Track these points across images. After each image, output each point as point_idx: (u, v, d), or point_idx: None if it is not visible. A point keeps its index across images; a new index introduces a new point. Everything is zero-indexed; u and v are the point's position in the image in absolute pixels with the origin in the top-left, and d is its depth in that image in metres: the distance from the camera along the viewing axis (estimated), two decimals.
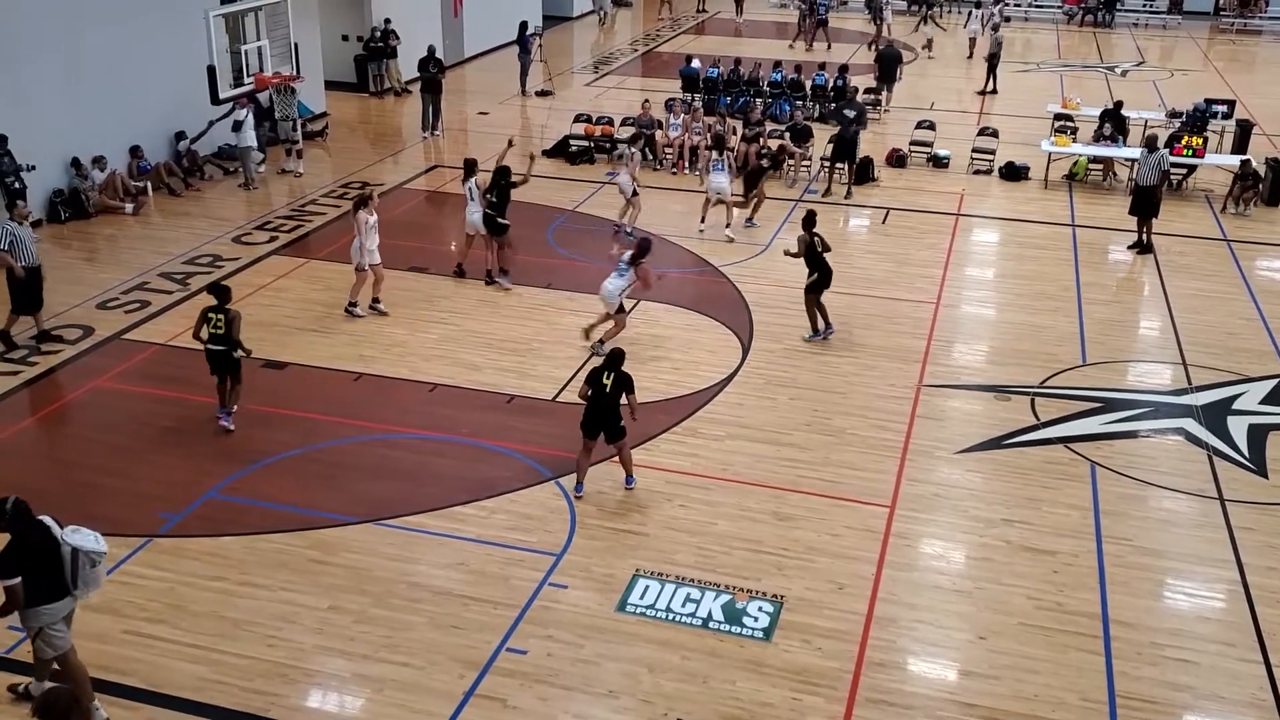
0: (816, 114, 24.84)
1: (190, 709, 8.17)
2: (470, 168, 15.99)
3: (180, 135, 20.11)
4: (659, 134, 21.45)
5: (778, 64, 26.53)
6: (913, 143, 22.29)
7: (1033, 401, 12.84)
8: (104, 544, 7.79)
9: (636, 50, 34.43)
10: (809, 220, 14.00)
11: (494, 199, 15.43)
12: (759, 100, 24.15)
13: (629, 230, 17.43)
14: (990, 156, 21.60)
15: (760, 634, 9.04)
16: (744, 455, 11.64)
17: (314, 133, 23.08)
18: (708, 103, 25.59)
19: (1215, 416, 12.60)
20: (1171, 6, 41.22)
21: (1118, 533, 10.47)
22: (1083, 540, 10.33)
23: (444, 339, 14.18)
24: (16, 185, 16.64)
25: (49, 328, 14.01)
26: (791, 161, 20.63)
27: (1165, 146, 18.70)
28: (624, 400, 10.57)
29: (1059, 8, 41.22)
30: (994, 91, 27.99)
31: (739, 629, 9.09)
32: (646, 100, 22.54)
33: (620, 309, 13.72)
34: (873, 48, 30.59)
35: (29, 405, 12.68)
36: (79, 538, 7.67)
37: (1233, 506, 10.93)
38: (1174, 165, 19.66)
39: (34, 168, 17.08)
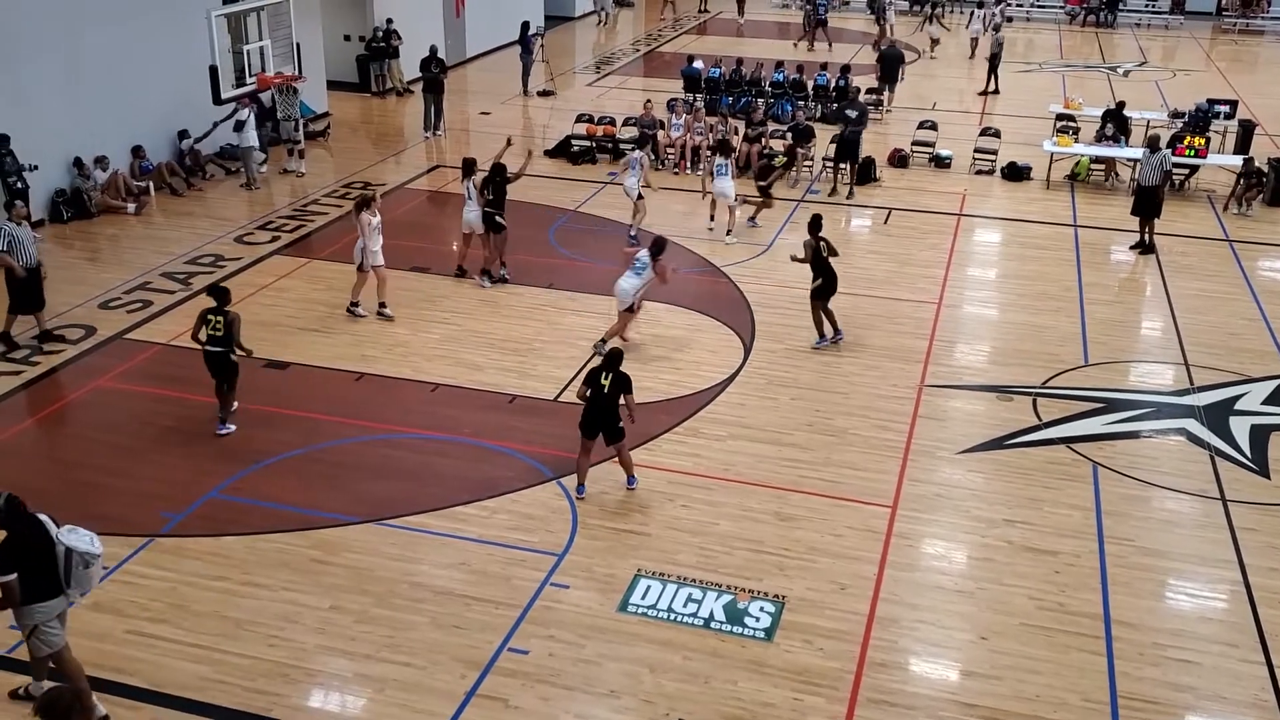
0: (818, 114, 24.84)
1: (192, 709, 8.18)
2: (469, 167, 15.99)
3: (183, 134, 20.12)
4: (661, 134, 21.45)
5: (780, 64, 26.54)
6: (915, 143, 22.29)
7: (1034, 402, 12.84)
8: (99, 545, 7.78)
9: (638, 50, 34.43)
10: (815, 224, 13.94)
11: (491, 197, 15.44)
12: (761, 100, 24.15)
13: (633, 234, 17.43)
14: (992, 157, 21.59)
15: (762, 634, 9.04)
16: (746, 455, 11.64)
17: (316, 133, 23.09)
18: (709, 103, 25.60)
19: (1217, 417, 12.59)
20: (1173, 6, 41.19)
21: (1120, 533, 10.46)
22: (1084, 541, 10.33)
23: (446, 339, 14.18)
24: (19, 185, 16.66)
25: (51, 327, 14.02)
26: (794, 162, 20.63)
27: (1167, 147, 18.70)
28: (622, 401, 10.56)
29: (1061, 8, 41.21)
30: (996, 92, 27.98)
31: (740, 629, 9.09)
32: (648, 100, 22.53)
33: (630, 308, 13.71)
34: (876, 48, 30.59)
35: (31, 405, 12.69)
36: (74, 538, 7.67)
37: (1235, 507, 10.92)
38: (1176, 165, 19.66)
39: (36, 168, 17.09)
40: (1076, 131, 21.92)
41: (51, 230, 17.64)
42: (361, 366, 13.38)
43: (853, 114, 20.00)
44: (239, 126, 19.43)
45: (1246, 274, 16.82)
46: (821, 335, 13.95)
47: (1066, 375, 13.50)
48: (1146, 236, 17.55)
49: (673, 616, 9.23)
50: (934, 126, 22.57)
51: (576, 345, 13.88)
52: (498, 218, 15.46)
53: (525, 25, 27.59)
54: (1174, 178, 19.82)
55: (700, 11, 41.01)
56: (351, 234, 14.91)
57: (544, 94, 27.45)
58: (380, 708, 8.24)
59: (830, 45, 33.50)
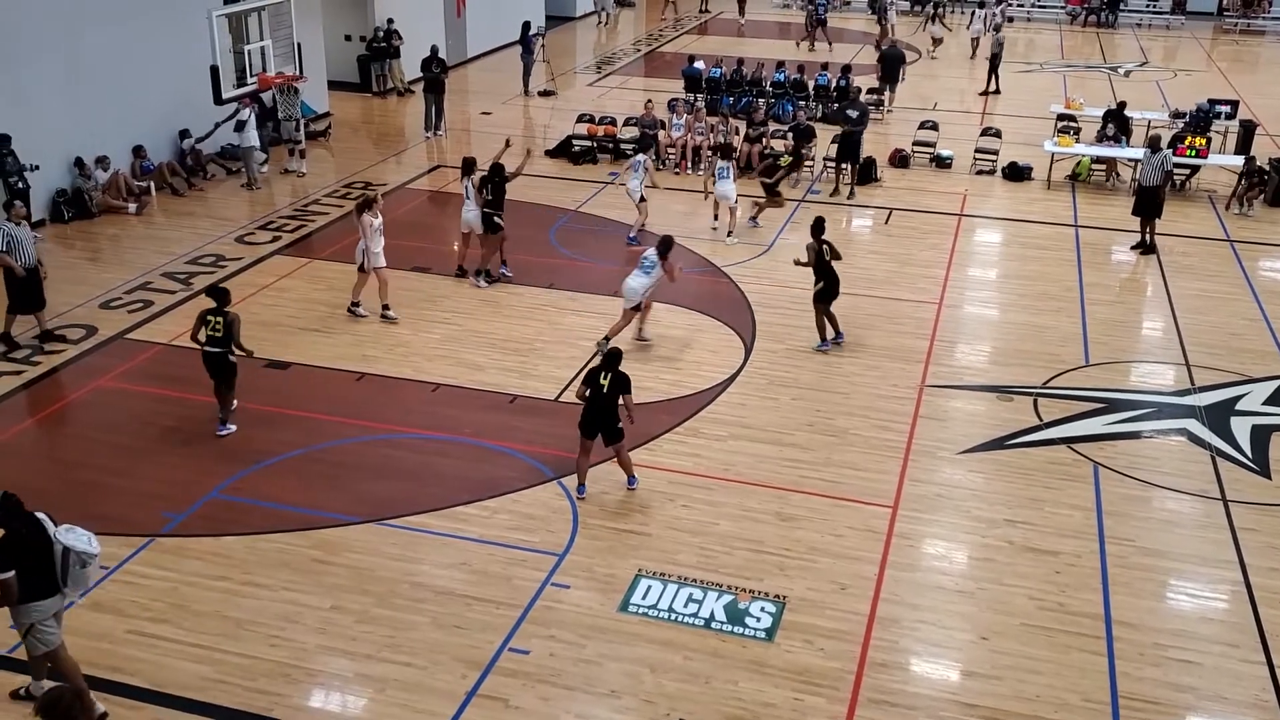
0: (819, 114, 24.84)
1: (193, 709, 8.18)
2: (468, 166, 16.00)
3: (184, 134, 20.13)
4: (662, 134, 21.45)
5: (781, 64, 26.55)
6: (916, 143, 22.29)
7: (1035, 402, 12.83)
8: (97, 545, 7.78)
9: (639, 50, 34.44)
10: (817, 227, 13.92)
11: (489, 197, 15.45)
12: (762, 101, 24.15)
13: (632, 236, 17.44)
14: (993, 157, 21.59)
15: (762, 634, 9.04)
16: (746, 455, 11.63)
17: (317, 133, 23.10)
18: (710, 103, 25.60)
19: (1218, 417, 12.59)
20: (1175, 7, 41.21)
21: (1120, 533, 10.46)
22: (1085, 541, 10.33)
23: (447, 339, 14.18)
24: (20, 185, 16.68)
25: (52, 327, 14.03)
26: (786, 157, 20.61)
27: (1168, 147, 18.69)
28: (621, 401, 10.55)
29: (1062, 8, 41.21)
30: (997, 92, 27.98)
31: (741, 629, 9.09)
32: (649, 100, 22.53)
33: (637, 306, 13.70)
34: (878, 48, 30.60)
35: (32, 405, 12.69)
36: (72, 537, 7.67)
37: (1236, 507, 10.92)
38: (1177, 166, 19.65)
39: (37, 168, 17.11)
40: (1077, 132, 21.91)
41: (52, 230, 17.65)
42: (362, 366, 13.39)
43: (853, 114, 19.99)
44: (240, 126, 19.44)
45: (1248, 274, 16.81)
46: (823, 339, 13.92)
47: (1067, 375, 13.50)
48: (1147, 237, 17.55)
49: (673, 616, 9.23)
50: (935, 127, 22.57)
51: (577, 345, 13.89)
52: (495, 218, 15.46)
53: (526, 25, 27.59)
54: (1175, 178, 19.82)
55: (701, 11, 41.01)
56: (352, 234, 14.91)
57: (545, 94, 27.46)
58: (381, 708, 8.25)
59: (830, 45, 33.51)
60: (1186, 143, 20.08)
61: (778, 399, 12.83)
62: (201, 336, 11.60)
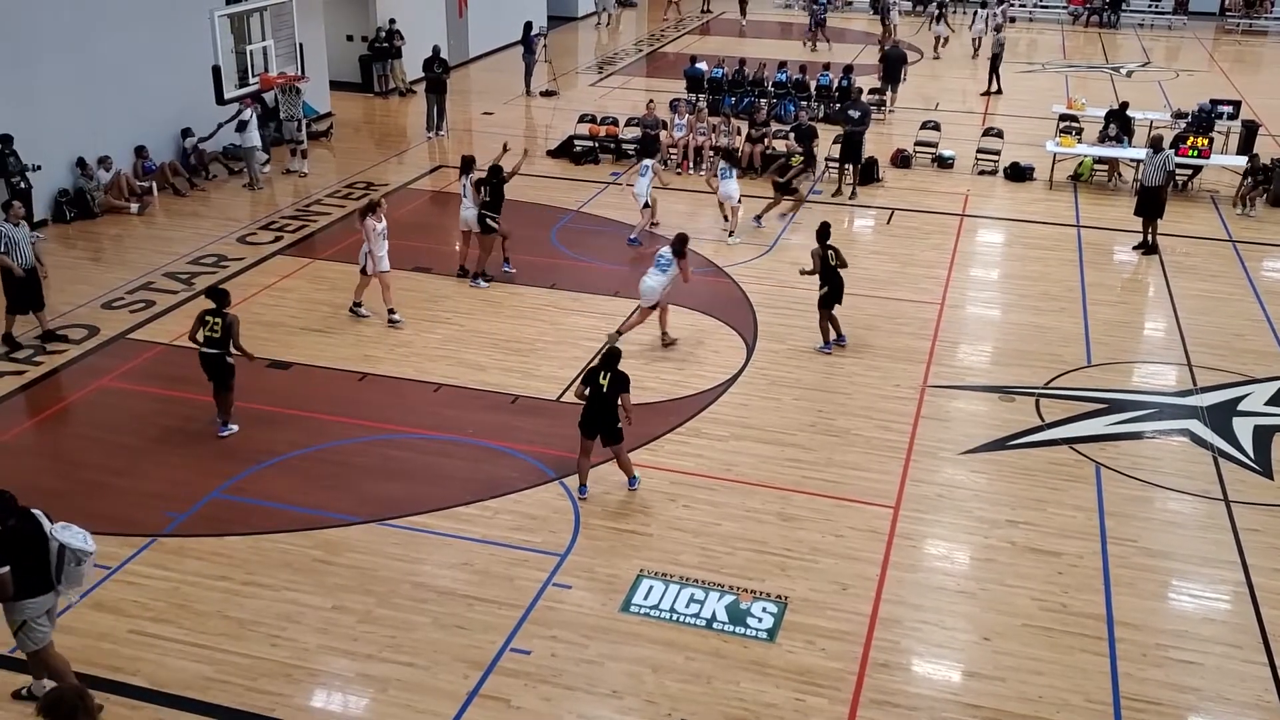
0: (821, 114, 24.84)
1: (195, 708, 8.18)
2: (467, 164, 16.01)
3: (186, 132, 20.15)
4: (663, 134, 21.46)
5: (782, 64, 26.55)
6: (918, 143, 22.28)
7: (1037, 402, 12.83)
8: (92, 543, 7.77)
9: (641, 50, 34.44)
10: (823, 232, 13.91)
11: (487, 198, 15.46)
12: (764, 101, 24.15)
13: (633, 237, 17.45)
14: (995, 157, 21.58)
15: (764, 635, 9.04)
16: (748, 456, 11.63)
17: (319, 133, 23.11)
18: (712, 103, 25.59)
19: (1220, 418, 12.58)
20: (1177, 7, 41.20)
21: (1122, 534, 10.45)
22: (1087, 541, 10.32)
23: (448, 339, 14.18)
24: (22, 185, 16.69)
25: (54, 327, 14.04)
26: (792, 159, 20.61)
27: (1170, 147, 18.68)
28: (619, 400, 10.54)
29: (1064, 8, 41.19)
30: (998, 92, 27.96)
31: (743, 630, 9.09)
32: (651, 100, 22.53)
33: (654, 305, 13.71)
34: (881, 48, 30.60)
35: (34, 405, 12.70)
36: (68, 535, 7.66)
37: (1238, 508, 10.91)
38: (1179, 166, 19.64)
39: (39, 168, 17.13)
40: (1079, 132, 21.90)
41: (54, 230, 17.67)
42: (364, 367, 13.39)
43: (855, 114, 19.99)
44: (242, 127, 19.44)
45: (1250, 275, 16.80)
46: (826, 341, 13.91)
47: (1069, 376, 13.49)
48: (1149, 237, 17.54)
49: (675, 617, 9.22)
50: (937, 127, 22.56)
51: (579, 345, 13.88)
52: (489, 219, 15.46)
53: (528, 25, 27.60)
54: (1177, 178, 19.80)
55: (703, 12, 41.02)
56: (354, 234, 14.91)
57: (547, 94, 27.46)
58: (383, 708, 8.24)
59: (829, 44, 33.57)
60: (1189, 143, 20.06)
61: (779, 399, 12.83)
62: (200, 337, 11.59)
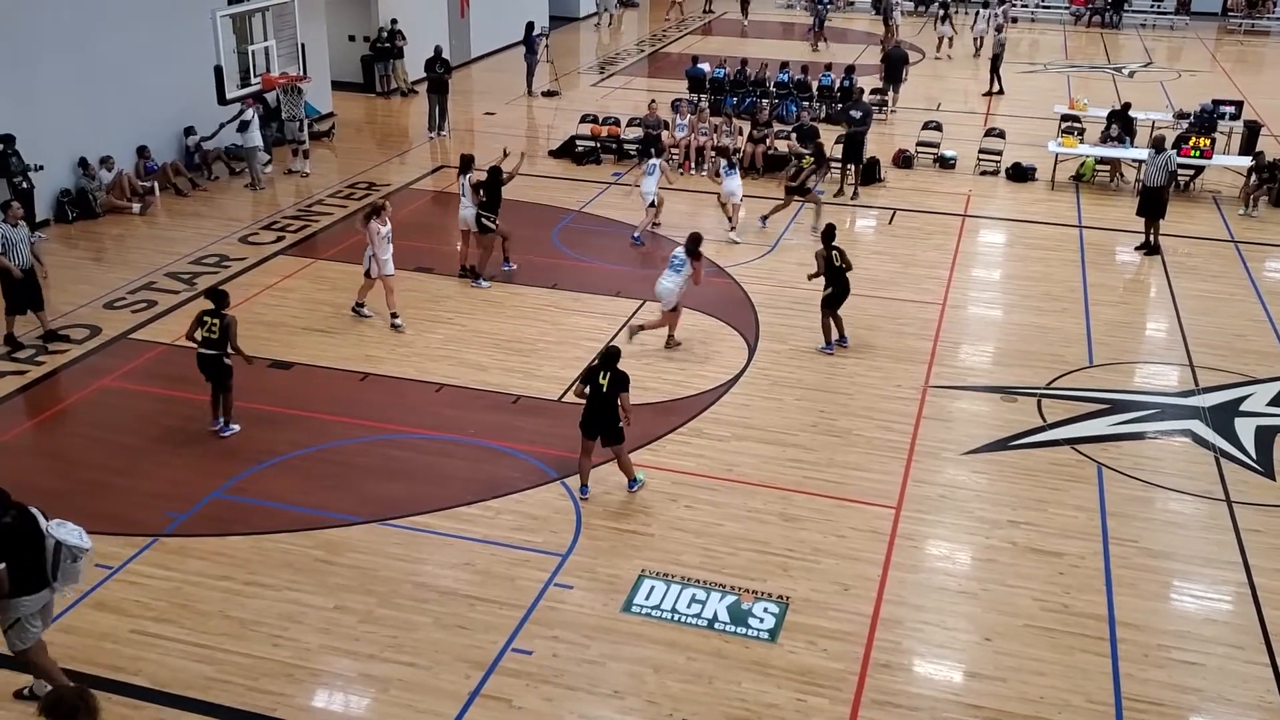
0: (823, 115, 24.83)
1: (196, 708, 8.18)
2: (466, 164, 16.02)
3: (189, 130, 20.16)
4: (665, 134, 21.45)
5: (784, 64, 26.55)
6: (919, 143, 22.28)
7: (1039, 403, 12.82)
8: (88, 540, 7.76)
9: (643, 51, 34.44)
10: (828, 234, 13.90)
11: (485, 198, 15.47)
12: (766, 101, 24.15)
13: (636, 235, 17.46)
14: (997, 157, 21.57)
15: (765, 635, 9.03)
16: (749, 456, 11.63)
17: (320, 133, 23.12)
18: (714, 103, 25.58)
19: (1222, 418, 12.57)
20: (1179, 7, 41.18)
21: (1124, 534, 10.44)
22: (1089, 542, 10.31)
23: (450, 339, 14.18)
24: (24, 185, 16.70)
25: (55, 327, 14.05)
26: (797, 162, 20.58)
27: (1173, 147, 18.66)
28: (618, 399, 10.54)
29: (1066, 8, 41.17)
30: (1000, 92, 27.96)
31: (744, 630, 9.09)
32: (653, 100, 22.53)
33: (675, 308, 13.72)
34: (883, 48, 30.61)
35: (36, 405, 12.71)
36: (64, 531, 7.66)
37: (1240, 508, 10.90)
38: (1181, 166, 19.62)
39: (41, 168, 17.14)
40: (1082, 132, 21.89)
41: (56, 230, 17.68)
42: (366, 367, 13.39)
43: (857, 114, 19.99)
44: (243, 127, 19.45)
45: (1252, 275, 16.78)
46: (828, 341, 13.90)
47: (1071, 376, 13.48)
48: (1151, 237, 17.52)
49: (676, 617, 9.22)
50: (939, 127, 22.56)
51: (581, 345, 13.88)
52: (484, 219, 15.47)
53: (530, 25, 27.60)
54: (1179, 179, 19.78)
55: (705, 12, 41.01)
56: (356, 234, 14.91)
57: (549, 94, 27.46)
58: (384, 708, 8.25)
59: (827, 44, 33.64)
60: (1191, 143, 20.05)
61: (781, 399, 12.82)
62: (198, 336, 11.57)
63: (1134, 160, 20.39)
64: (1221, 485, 11.30)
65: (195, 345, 11.65)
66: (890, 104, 25.92)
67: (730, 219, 17.79)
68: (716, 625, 9.14)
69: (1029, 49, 34.88)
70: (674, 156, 21.44)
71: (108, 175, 18.48)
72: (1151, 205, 17.37)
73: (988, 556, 10.14)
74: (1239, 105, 22.84)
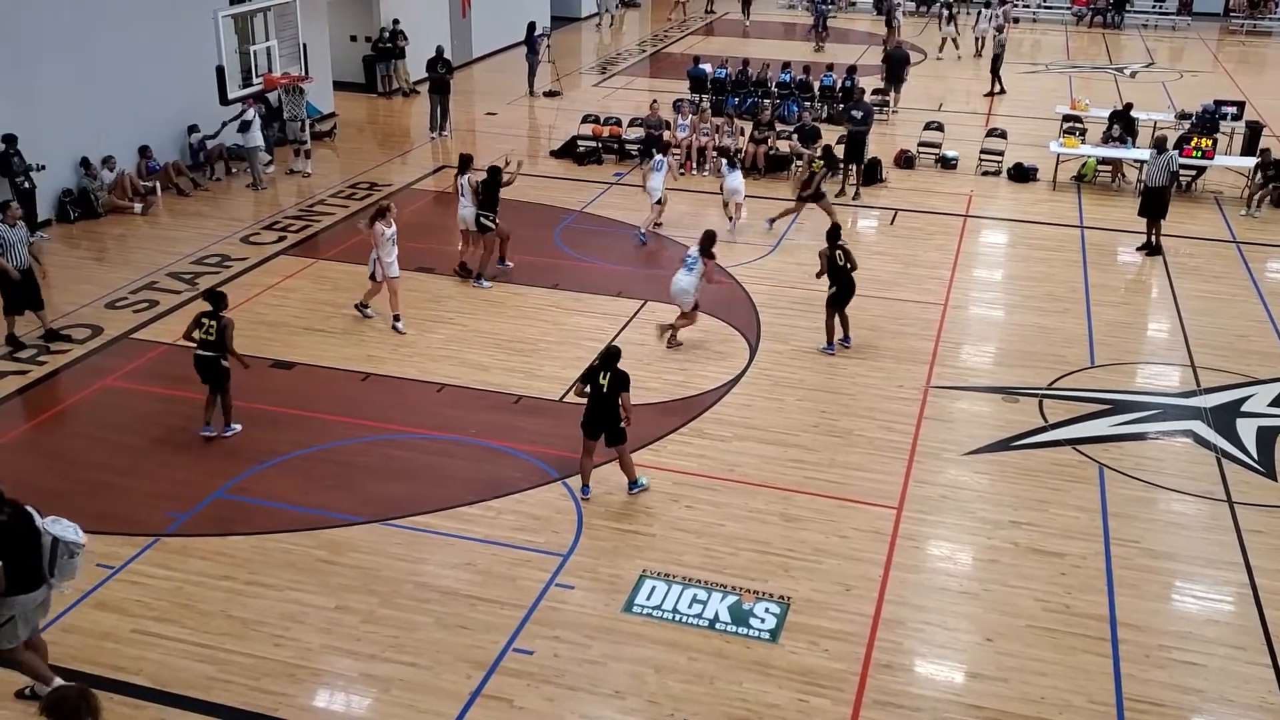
0: (824, 115, 24.83)
1: (198, 708, 8.19)
2: (465, 163, 16.02)
3: (193, 128, 20.17)
4: (666, 134, 21.46)
5: (786, 65, 26.55)
6: (921, 144, 22.28)
7: (1041, 403, 12.81)
8: (83, 536, 7.78)
9: (644, 51, 34.44)
10: (833, 234, 13.90)
11: (483, 198, 15.48)
12: (767, 101, 24.15)
13: (642, 234, 17.46)
14: (999, 158, 21.57)
15: (767, 635, 9.03)
16: (751, 456, 11.63)
17: (322, 133, 23.13)
18: (715, 103, 25.59)
19: (1224, 419, 12.56)
20: (1181, 8, 41.16)
21: (1126, 535, 10.44)
22: (1091, 542, 10.31)
23: (451, 339, 14.19)
24: (26, 185, 16.71)
25: (57, 327, 14.06)
26: (799, 163, 20.60)
27: (1175, 148, 18.65)
28: (619, 399, 10.53)
29: (1068, 9, 41.16)
30: (1002, 92, 27.96)
31: (745, 630, 9.09)
32: (655, 101, 22.54)
33: (696, 306, 13.73)
34: (885, 48, 30.65)
35: (37, 405, 12.71)
36: (59, 528, 7.67)
37: (1241, 509, 10.89)
38: (1183, 167, 19.60)
39: (44, 167, 17.15)
40: (1083, 133, 21.88)
41: (58, 230, 17.70)
42: (367, 367, 13.40)
43: (858, 114, 19.99)
44: (245, 127, 19.47)
45: (1253, 275, 16.77)
46: (830, 342, 13.89)
47: (1073, 377, 13.48)
48: (1153, 238, 17.52)
49: (677, 617, 9.22)
50: (940, 127, 22.55)
51: (582, 345, 13.88)
52: (482, 218, 15.48)
53: (531, 26, 27.62)
54: (1181, 179, 19.76)
55: (707, 12, 41.01)
56: (358, 234, 14.91)
57: (550, 94, 27.47)
58: (385, 708, 8.25)
59: (827, 41, 33.70)
60: (1193, 144, 20.03)
61: (783, 400, 12.82)
62: (196, 337, 11.55)
63: (1136, 161, 20.38)
64: (1223, 486, 11.29)
65: (193, 345, 11.65)
66: (892, 104, 25.91)
67: (731, 217, 17.78)
68: (718, 625, 9.14)
69: (1031, 49, 34.87)
70: (676, 156, 21.44)
71: (109, 175, 18.49)
72: (1153, 206, 17.36)
73: (989, 557, 10.13)
74: (1241, 106, 22.82)
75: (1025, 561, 10.03)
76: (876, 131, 21.95)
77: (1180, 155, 18.97)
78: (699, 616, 9.22)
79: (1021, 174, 21.13)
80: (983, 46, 32.17)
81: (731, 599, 9.42)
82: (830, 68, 26.39)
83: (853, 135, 19.94)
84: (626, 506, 10.72)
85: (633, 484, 10.85)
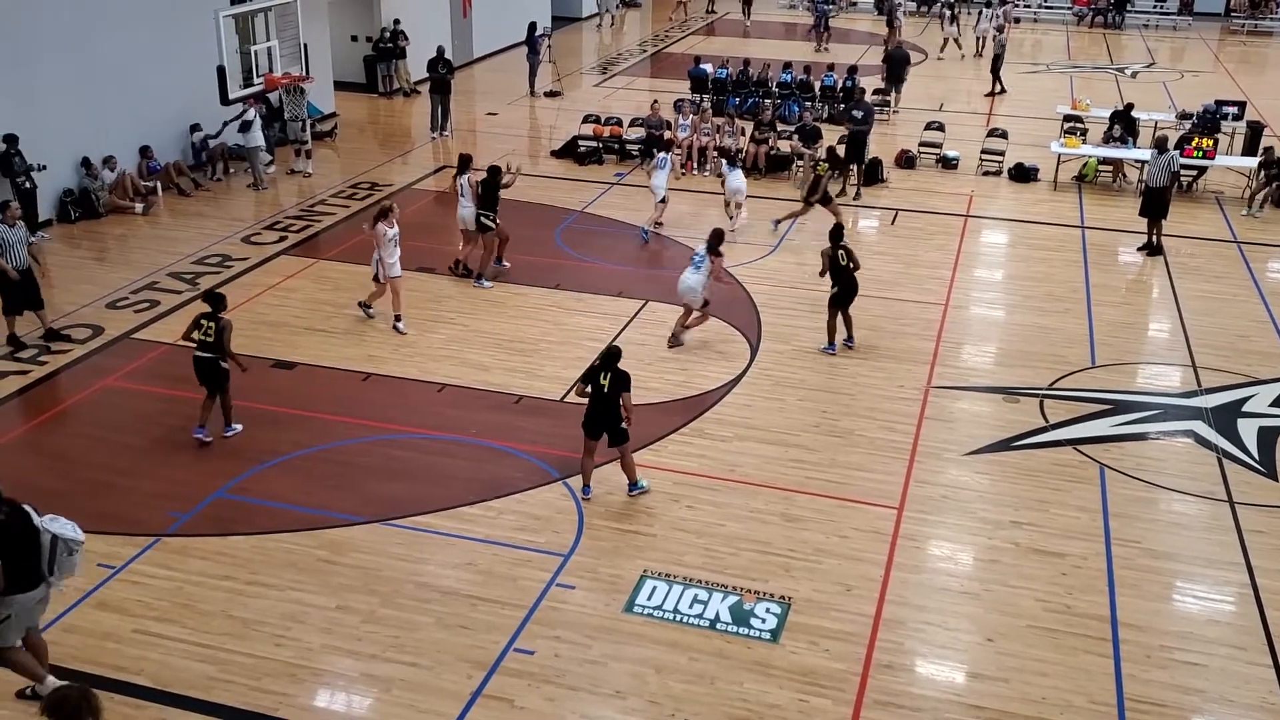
0: (825, 115, 24.83)
1: (198, 708, 8.19)
2: (464, 163, 16.03)
3: (195, 128, 20.17)
4: (667, 134, 21.45)
5: (787, 65, 26.55)
6: (922, 144, 22.27)
7: (1041, 403, 12.81)
8: (81, 533, 7.80)
9: (645, 51, 34.44)
10: (835, 233, 13.89)
11: (483, 197, 15.48)
12: (768, 101, 24.15)
13: (645, 231, 17.46)
14: (999, 158, 21.56)
15: (768, 635, 9.03)
16: (752, 456, 11.62)
17: (323, 133, 23.13)
18: (716, 103, 25.59)
19: (1225, 419, 12.55)
20: (1182, 8, 41.14)
21: (1127, 535, 10.44)
22: (1092, 543, 10.31)
23: (452, 339, 14.19)
24: (27, 185, 16.71)
25: (58, 327, 14.06)
26: (800, 163, 20.61)
27: (1176, 148, 18.64)
28: (620, 399, 10.53)
29: (1069, 9, 41.15)
30: (1002, 92, 27.96)
31: (746, 630, 9.09)
32: (655, 101, 22.54)
33: (706, 303, 13.74)
34: (886, 48, 30.67)
35: (38, 405, 12.72)
36: (57, 526, 7.69)
37: (1242, 509, 10.89)
38: (1184, 167, 19.59)
39: (45, 167, 17.15)
40: (1084, 133, 21.87)
41: (59, 230, 17.71)
42: (368, 367, 13.40)
43: (858, 114, 19.99)
44: (245, 127, 19.47)
45: (1254, 276, 16.76)
46: (831, 342, 13.88)
47: (1073, 377, 13.47)
48: (1154, 238, 17.51)
49: (678, 618, 9.22)
50: (941, 127, 22.54)
51: (583, 345, 13.88)
52: (482, 218, 15.49)
53: (532, 26, 27.63)
54: (1182, 179, 19.76)
55: (708, 12, 41.01)
56: (359, 234, 14.91)
57: (551, 94, 27.47)
58: (386, 708, 8.25)
59: (827, 44, 33.69)
60: (1194, 144, 20.03)
61: (783, 400, 12.82)
62: (195, 338, 11.53)
63: (1137, 161, 20.37)
64: (1224, 486, 11.29)
65: (192, 345, 11.64)
66: (893, 104, 25.91)
67: (732, 217, 17.78)
68: (718, 626, 9.14)
69: (1032, 49, 34.85)
70: (677, 155, 21.44)
71: (110, 175, 18.49)
72: (1154, 206, 17.36)
73: (990, 557, 10.13)
74: (1242, 106, 22.81)
75: (1026, 562, 10.03)
76: (877, 131, 21.95)
77: (1181, 155, 18.98)
78: (700, 617, 9.22)
79: (1022, 174, 21.12)
80: (983, 46, 32.18)
81: (732, 599, 9.42)
82: (831, 68, 26.39)
83: (853, 135, 19.94)
84: (627, 506, 10.72)
85: (633, 485, 10.84)
